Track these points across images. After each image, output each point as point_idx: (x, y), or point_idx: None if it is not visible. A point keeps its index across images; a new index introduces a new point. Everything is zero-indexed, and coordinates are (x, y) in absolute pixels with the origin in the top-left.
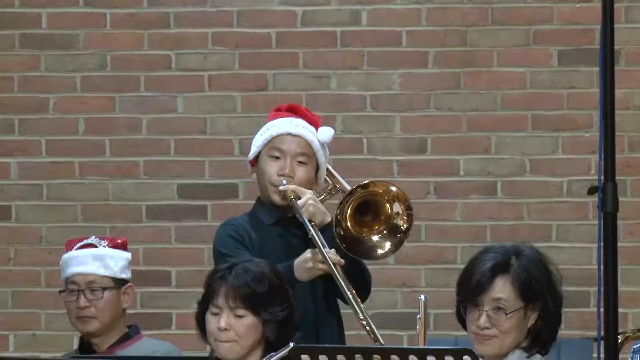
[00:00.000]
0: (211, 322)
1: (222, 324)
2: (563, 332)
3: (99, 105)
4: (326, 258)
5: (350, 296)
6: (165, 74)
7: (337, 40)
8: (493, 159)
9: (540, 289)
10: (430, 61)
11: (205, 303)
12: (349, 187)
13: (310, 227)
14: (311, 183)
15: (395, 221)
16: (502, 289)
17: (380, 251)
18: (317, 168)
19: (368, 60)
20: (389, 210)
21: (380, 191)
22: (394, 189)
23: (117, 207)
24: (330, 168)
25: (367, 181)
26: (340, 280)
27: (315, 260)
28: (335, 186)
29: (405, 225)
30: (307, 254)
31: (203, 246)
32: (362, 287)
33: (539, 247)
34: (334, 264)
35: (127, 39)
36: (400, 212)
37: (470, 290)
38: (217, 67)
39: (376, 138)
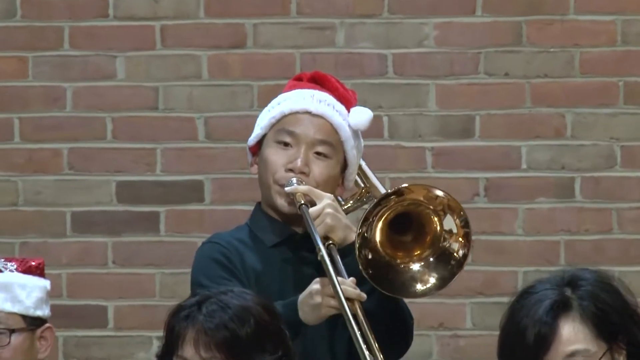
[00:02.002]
0: None
1: None
2: None
3: (4, 70)
4: (337, 289)
5: (367, 353)
6: (99, 25)
7: None
8: (569, 147)
9: (620, 318)
10: (479, 6)
11: (167, 356)
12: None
13: (321, 245)
14: (334, 185)
15: (446, 243)
16: (573, 334)
17: (419, 287)
18: (345, 165)
19: (390, 4)
20: (438, 228)
21: (421, 198)
22: (440, 193)
23: (29, 214)
24: (364, 166)
25: (404, 185)
26: (354, 325)
27: (325, 294)
28: (367, 192)
29: (461, 251)
30: (315, 284)
31: (153, 271)
32: (399, 336)
33: (636, 271)
34: (351, 300)
35: None
36: (455, 229)
37: (528, 351)
38: (173, 14)
39: (401, 116)
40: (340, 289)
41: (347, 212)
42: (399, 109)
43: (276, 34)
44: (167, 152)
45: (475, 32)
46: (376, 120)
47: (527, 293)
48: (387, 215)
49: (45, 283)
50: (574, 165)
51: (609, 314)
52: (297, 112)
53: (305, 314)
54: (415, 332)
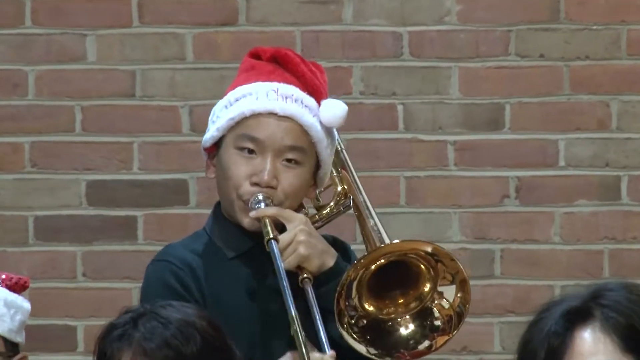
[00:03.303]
0: None
1: None
2: None
3: None
4: None
5: None
6: None
7: None
8: (614, 140)
9: None
10: None
11: None
12: (365, 199)
13: (291, 306)
14: (306, 191)
15: (429, 304)
16: (593, 345)
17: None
18: (318, 165)
19: None
20: (425, 287)
21: (408, 250)
22: (429, 249)
23: None
24: (345, 156)
25: (385, 243)
26: None
27: None
28: (345, 195)
29: (440, 322)
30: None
31: (130, 285)
32: None
33: None
34: None
35: None
36: (448, 298)
37: None
38: None
39: (419, 104)
40: None
41: (325, 220)
42: (416, 96)
43: (273, 9)
44: (145, 146)
45: (504, 7)
46: (390, 109)
47: (544, 310)
48: (375, 268)
49: (28, 306)
50: (620, 162)
51: (638, 325)
52: (259, 114)
53: None
54: (434, 357)
